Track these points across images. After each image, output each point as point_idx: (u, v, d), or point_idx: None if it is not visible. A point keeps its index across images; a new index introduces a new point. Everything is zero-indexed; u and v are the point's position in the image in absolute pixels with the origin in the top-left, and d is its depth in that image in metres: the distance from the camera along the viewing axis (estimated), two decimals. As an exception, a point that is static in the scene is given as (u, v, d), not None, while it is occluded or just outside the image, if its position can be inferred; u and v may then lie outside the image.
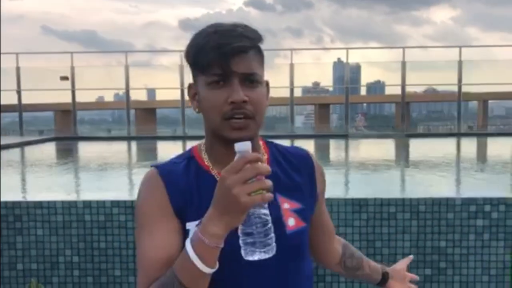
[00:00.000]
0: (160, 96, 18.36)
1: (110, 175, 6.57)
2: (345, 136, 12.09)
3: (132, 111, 14.55)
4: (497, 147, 10.76)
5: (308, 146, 10.92)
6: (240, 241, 0.92)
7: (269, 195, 0.89)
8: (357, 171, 6.82)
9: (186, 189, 1.06)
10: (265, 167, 0.89)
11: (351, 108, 13.19)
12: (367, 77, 28.94)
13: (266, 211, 0.92)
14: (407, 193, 4.98)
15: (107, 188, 5.40)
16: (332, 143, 11.84)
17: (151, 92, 19.58)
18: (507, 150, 9.79)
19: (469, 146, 11.16)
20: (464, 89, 12.99)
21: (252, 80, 1.03)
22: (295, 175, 1.15)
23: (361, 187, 5.33)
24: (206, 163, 1.10)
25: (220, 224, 0.90)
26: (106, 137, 13.73)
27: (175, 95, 13.45)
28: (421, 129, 17.10)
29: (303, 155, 1.20)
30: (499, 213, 3.27)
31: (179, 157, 1.13)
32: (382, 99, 19.93)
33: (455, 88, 12.84)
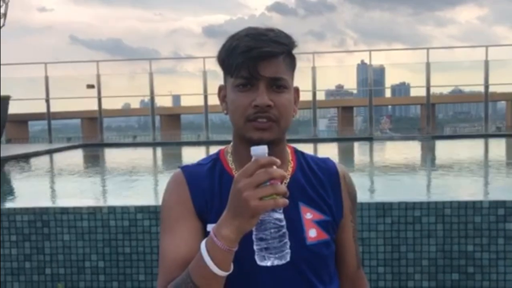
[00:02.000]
0: (185, 102, 18.54)
1: (135, 181, 6.66)
2: (369, 139, 11.96)
3: (158, 117, 14.74)
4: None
5: (332, 149, 10.85)
6: (254, 246, 0.91)
7: (283, 201, 0.87)
8: (381, 174, 6.73)
9: (209, 190, 1.08)
10: (279, 171, 0.88)
11: (375, 110, 13.02)
12: (391, 79, 28.61)
13: (280, 216, 0.90)
14: (432, 196, 4.89)
15: (131, 194, 5.48)
16: (356, 146, 11.72)
17: (176, 98, 19.80)
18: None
19: (497, 147, 10.87)
20: (492, 89, 12.69)
21: (279, 85, 1.03)
22: (320, 188, 1.12)
23: (386, 191, 5.26)
24: (230, 165, 1.11)
25: (232, 227, 0.89)
26: (131, 143, 13.93)
27: (199, 101, 13.57)
28: (448, 131, 16.76)
29: (331, 169, 1.16)
30: (529, 216, 3.17)
31: (205, 159, 1.15)
32: (407, 101, 19.62)
33: (481, 89, 12.55)
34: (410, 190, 5.21)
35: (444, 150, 10.56)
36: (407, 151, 10.42)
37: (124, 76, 16.26)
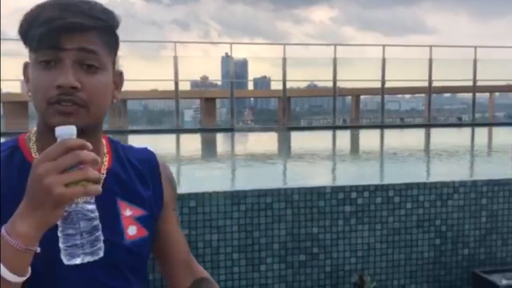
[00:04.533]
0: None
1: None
2: (231, 130, 12.27)
3: (1, 104, 13.25)
4: (367, 138, 11.73)
5: (195, 140, 10.90)
6: (60, 244, 0.78)
7: (95, 187, 0.77)
8: (239, 164, 6.95)
9: (5, 183, 0.91)
10: (91, 154, 0.77)
11: (238, 102, 13.36)
12: (255, 72, 29.66)
13: (92, 207, 0.79)
14: (283, 183, 5.20)
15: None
16: (218, 137, 11.96)
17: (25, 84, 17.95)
18: (375, 141, 10.76)
19: (342, 138, 12.02)
20: (341, 85, 13.93)
21: (90, 64, 0.90)
22: (140, 180, 1.06)
23: (242, 180, 5.44)
24: (33, 155, 0.95)
25: (32, 222, 0.75)
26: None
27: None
28: (304, 123, 17.96)
29: (151, 160, 1.10)
30: (364, 199, 3.54)
31: (1, 146, 0.97)
32: (268, 94, 20.52)
33: (331, 84, 13.69)
34: (264, 178, 5.48)
35: (296, 141, 11.35)
36: (263, 142, 10.96)
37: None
